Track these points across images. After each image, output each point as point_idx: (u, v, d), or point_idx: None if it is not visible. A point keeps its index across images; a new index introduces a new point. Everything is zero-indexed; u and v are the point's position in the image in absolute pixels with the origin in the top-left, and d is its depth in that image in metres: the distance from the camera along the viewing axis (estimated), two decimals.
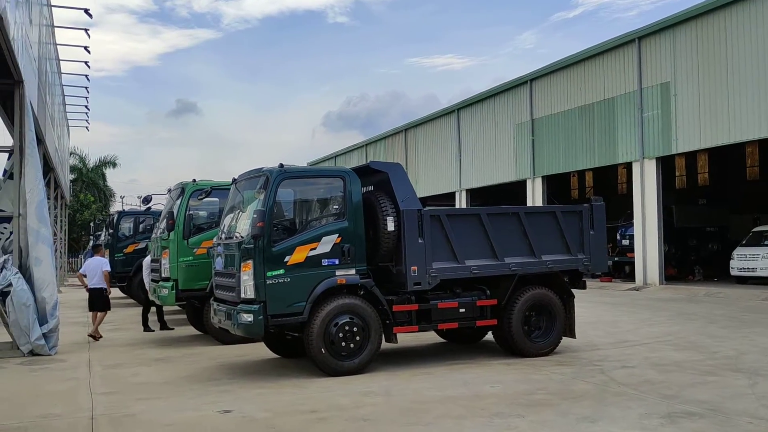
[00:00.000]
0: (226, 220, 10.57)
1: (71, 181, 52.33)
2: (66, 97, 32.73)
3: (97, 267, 14.18)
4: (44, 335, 12.00)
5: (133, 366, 10.86)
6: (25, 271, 12.29)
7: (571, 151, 28.93)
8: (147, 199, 14.20)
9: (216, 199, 13.71)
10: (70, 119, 37.95)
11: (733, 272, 24.24)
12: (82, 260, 33.94)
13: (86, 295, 14.26)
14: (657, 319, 15.27)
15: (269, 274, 9.19)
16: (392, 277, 10.19)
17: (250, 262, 9.18)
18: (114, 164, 59.54)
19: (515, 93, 32.71)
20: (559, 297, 11.00)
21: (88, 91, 33.19)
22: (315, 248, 9.46)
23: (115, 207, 57.64)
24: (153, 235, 14.65)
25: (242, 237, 9.48)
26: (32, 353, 11.96)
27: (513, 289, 10.58)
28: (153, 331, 15.16)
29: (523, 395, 8.08)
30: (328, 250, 9.52)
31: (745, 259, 23.84)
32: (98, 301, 14.19)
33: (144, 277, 15.26)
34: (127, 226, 22.47)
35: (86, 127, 41.37)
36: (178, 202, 12.91)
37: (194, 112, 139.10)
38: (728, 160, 35.84)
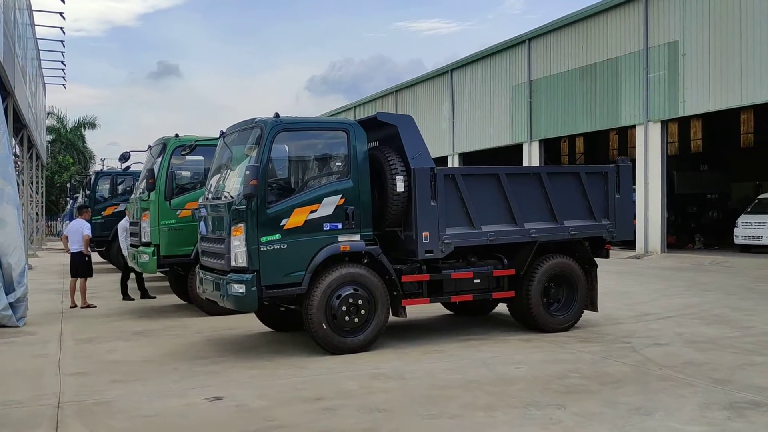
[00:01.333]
0: (213, 179, 9.39)
1: (49, 142, 50.64)
2: (42, 52, 31.17)
3: (78, 230, 13.02)
4: (11, 305, 10.85)
5: (109, 340, 9.76)
6: None
7: (570, 114, 27.80)
8: (124, 156, 12.94)
9: (201, 157, 12.53)
10: (46, 77, 36.26)
11: (737, 240, 23.45)
12: (61, 223, 32.66)
13: (64, 260, 13.08)
14: (672, 290, 14.38)
15: (263, 239, 8.07)
16: (400, 244, 9.12)
17: (242, 226, 8.05)
18: (93, 125, 57.80)
19: (512, 53, 31.40)
20: (581, 267, 10.00)
21: (63, 45, 31.60)
22: (315, 210, 8.33)
23: (95, 169, 56.05)
24: (132, 196, 13.43)
25: (232, 197, 8.33)
26: None
27: (532, 258, 9.55)
28: (133, 300, 14.05)
29: (555, 379, 7.09)
30: (330, 213, 8.40)
31: (750, 227, 23.03)
32: (80, 267, 13.06)
33: (121, 242, 14.07)
34: (105, 187, 21.15)
35: (63, 85, 39.68)
36: (159, 159, 11.69)
37: (176, 74, 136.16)
38: (722, 127, 34.99)
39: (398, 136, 8.94)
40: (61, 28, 30.03)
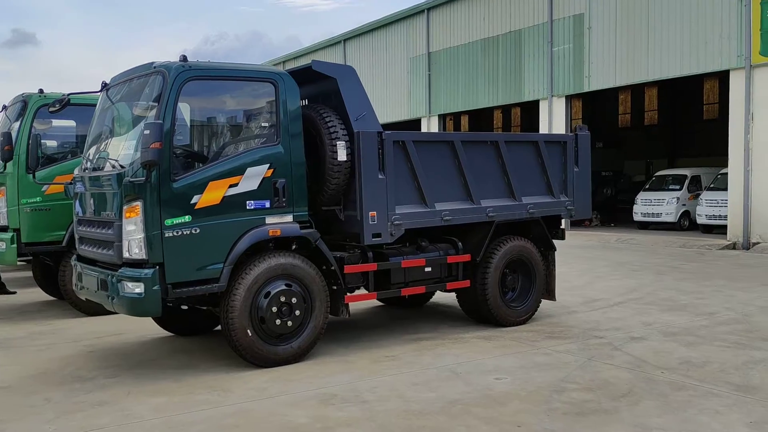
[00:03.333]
0: (94, 144, 7.24)
1: None
2: None
3: None
4: None
5: None
6: None
7: (472, 88, 26.85)
8: None
9: (72, 122, 10.17)
10: None
11: (637, 218, 23.49)
12: None
13: None
14: (599, 271, 13.59)
15: (168, 222, 6.10)
16: (338, 226, 7.41)
17: (138, 205, 6.03)
18: None
19: (410, 23, 30.04)
20: (539, 250, 8.71)
21: None
22: (236, 185, 6.44)
23: None
24: None
25: (122, 167, 6.28)
26: None
27: (489, 241, 8.13)
28: (14, 292, 11.42)
29: (553, 394, 5.69)
30: (255, 188, 6.54)
31: (650, 204, 23.07)
32: None
33: None
34: None
35: None
36: (18, 122, 9.23)
37: (33, 43, 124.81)
38: (603, 105, 35.51)
39: (336, 93, 7.18)
40: None
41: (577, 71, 22.76)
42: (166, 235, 6.09)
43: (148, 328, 8.33)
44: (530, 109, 27.82)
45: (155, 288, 6.03)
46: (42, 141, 9.39)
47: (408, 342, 7.64)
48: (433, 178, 7.68)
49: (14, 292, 11.71)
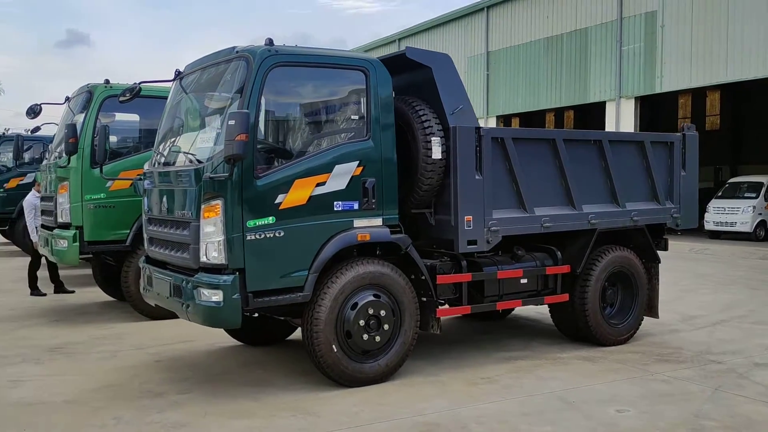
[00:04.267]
0: (166, 138, 6.69)
1: None
2: None
3: None
4: None
5: (13, 362, 6.93)
6: None
7: (532, 89, 25.94)
8: (33, 110, 9.82)
9: (136, 116, 9.70)
10: None
11: (708, 226, 22.17)
12: None
13: None
14: (684, 284, 12.59)
15: (251, 223, 5.48)
16: (426, 231, 6.70)
17: (219, 204, 5.42)
18: None
19: (468, 22, 29.27)
20: (641, 262, 7.88)
21: None
22: (323, 183, 5.79)
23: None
24: (44, 163, 10.39)
25: (200, 161, 5.68)
26: None
27: (591, 251, 7.33)
28: (44, 295, 11.05)
29: None
30: (344, 187, 5.89)
31: (722, 213, 21.78)
32: None
33: (28, 223, 11.01)
34: (7, 154, 17.65)
35: None
36: (84, 113, 8.77)
37: (86, 43, 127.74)
38: (660, 109, 34.01)
39: (430, 83, 6.48)
40: None
41: (648, 71, 21.68)
42: (248, 238, 5.47)
43: (215, 335, 7.75)
44: (586, 112, 26.80)
45: (235, 297, 5.41)
46: (108, 131, 8.91)
47: (501, 361, 6.90)
48: (532, 180, 6.94)
49: (72, 291, 11.33)
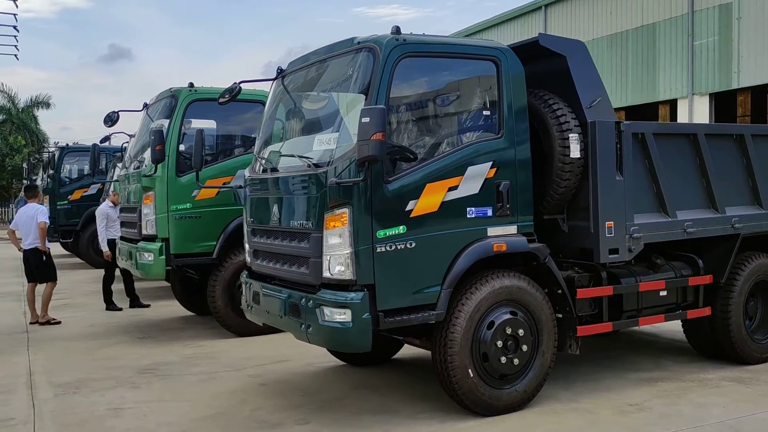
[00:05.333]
0: (269, 141, 6.15)
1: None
2: None
3: (31, 218, 9.55)
4: None
5: (106, 387, 6.43)
6: None
7: None
8: (111, 118, 9.41)
9: (213, 122, 9.20)
10: None
11: None
12: (14, 210, 28.65)
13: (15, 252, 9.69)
14: None
15: (381, 234, 4.87)
16: (556, 239, 6.00)
17: (346, 212, 4.83)
18: (48, 104, 52.86)
19: (525, 21, 28.39)
20: None
21: (16, 19, 28.19)
22: (455, 187, 5.16)
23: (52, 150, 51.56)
24: (121, 172, 9.99)
25: (316, 165, 5.10)
26: None
27: (734, 258, 6.55)
28: (120, 309, 10.67)
29: None
30: (477, 191, 5.24)
31: None
32: (38, 269, 9.61)
33: (99, 232, 10.63)
34: (72, 165, 17.52)
35: (15, 55, 35.62)
36: (167, 121, 8.30)
37: (128, 58, 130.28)
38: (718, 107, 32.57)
39: (562, 74, 5.80)
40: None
41: (723, 66, 20.58)
42: (378, 250, 4.86)
43: (312, 354, 7.19)
44: (654, 111, 25.71)
45: (365, 316, 4.80)
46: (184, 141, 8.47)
47: (640, 384, 6.16)
48: (673, 181, 6.20)
49: (148, 306, 10.92)
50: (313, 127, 5.81)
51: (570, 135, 5.58)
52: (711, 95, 21.19)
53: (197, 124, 9.43)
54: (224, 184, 8.14)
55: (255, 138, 8.63)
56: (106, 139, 12.92)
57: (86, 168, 18.31)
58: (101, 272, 15.90)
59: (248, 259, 6.18)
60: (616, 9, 24.18)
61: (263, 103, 8.41)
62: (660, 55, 22.54)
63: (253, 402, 5.82)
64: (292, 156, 5.55)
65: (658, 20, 22.56)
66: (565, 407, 5.55)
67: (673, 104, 22.37)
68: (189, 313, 10.11)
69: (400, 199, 4.94)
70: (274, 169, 5.78)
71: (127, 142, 13.80)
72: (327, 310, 4.91)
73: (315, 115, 5.84)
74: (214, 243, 8.24)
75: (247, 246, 6.19)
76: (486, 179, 5.27)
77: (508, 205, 5.35)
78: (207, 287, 8.45)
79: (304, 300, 5.11)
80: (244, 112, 8.70)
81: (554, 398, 5.73)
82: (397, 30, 5.10)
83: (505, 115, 5.39)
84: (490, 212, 5.30)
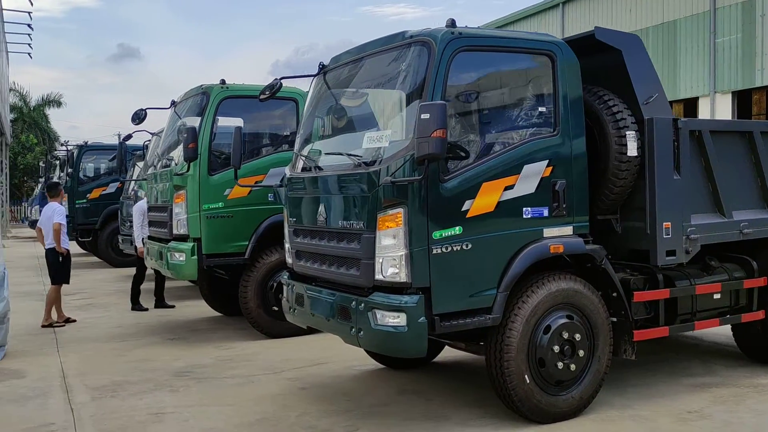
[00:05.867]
0: (310, 140, 5.98)
1: (12, 121, 46.30)
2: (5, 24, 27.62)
3: (49, 219, 9.42)
4: None
5: (144, 390, 6.28)
6: None
7: None
8: (138, 116, 9.24)
9: (240, 120, 9.00)
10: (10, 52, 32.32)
11: None
12: (29, 209, 28.60)
13: (37, 250, 9.56)
14: None
15: (437, 234, 4.70)
16: (609, 240, 5.79)
17: (401, 212, 4.65)
18: (59, 103, 53.13)
19: (542, 18, 28.19)
20: None
21: (31, 17, 28.19)
22: (512, 186, 4.98)
23: (60, 150, 51.61)
24: (148, 170, 9.83)
25: (365, 164, 4.92)
26: None
27: None
28: (146, 310, 10.53)
29: None
30: (533, 191, 5.06)
31: None
32: (51, 268, 9.48)
33: (135, 230, 10.50)
34: (91, 164, 17.41)
35: (29, 53, 35.51)
36: (199, 118, 8.12)
37: (136, 57, 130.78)
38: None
39: (617, 69, 5.61)
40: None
41: (746, 64, 20.33)
42: (434, 251, 4.69)
43: (350, 356, 7.05)
44: (675, 108, 25.41)
45: (421, 320, 4.62)
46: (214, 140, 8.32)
47: (694, 390, 5.96)
48: (728, 180, 6.00)
49: (173, 306, 10.77)
50: (359, 124, 5.63)
51: (627, 132, 5.39)
52: (733, 93, 20.95)
53: (224, 122, 9.28)
54: (256, 183, 8.01)
55: (286, 136, 8.66)
56: (129, 137, 12.80)
57: (103, 167, 18.30)
58: (121, 271, 15.94)
59: (289, 260, 6.01)
60: (636, 5, 23.93)
61: (295, 101, 8.41)
62: (681, 53, 22.31)
63: (296, 407, 5.65)
64: (340, 154, 5.37)
65: (679, 17, 22.32)
66: (622, 414, 5.35)
67: (694, 102, 22.12)
68: (216, 313, 9.96)
69: (456, 198, 4.77)
70: (318, 168, 5.60)
71: (149, 140, 13.74)
72: (380, 314, 4.74)
73: (362, 111, 5.66)
74: (246, 243, 8.08)
75: (288, 246, 6.02)
76: (542, 178, 5.09)
77: (564, 205, 5.17)
78: (239, 288, 8.28)
79: (354, 303, 4.93)
80: (276, 110, 8.53)
81: (608, 404, 5.54)
82: (452, 23, 4.91)
83: (561, 111, 5.20)
84: (546, 212, 5.12)
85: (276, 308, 8.20)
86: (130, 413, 5.58)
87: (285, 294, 6.03)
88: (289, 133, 8.54)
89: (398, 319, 4.66)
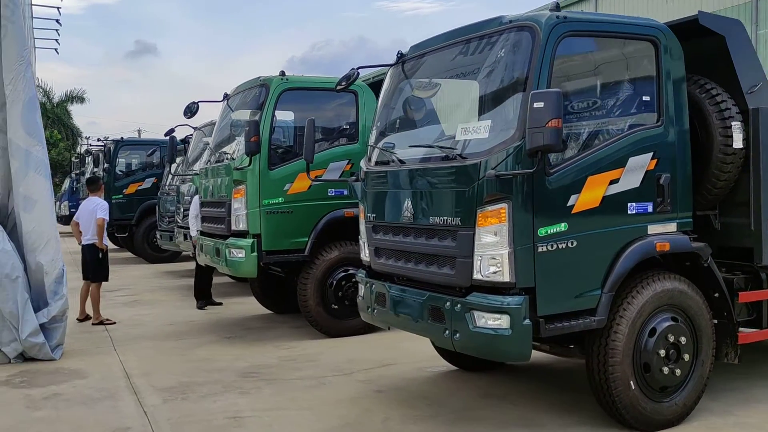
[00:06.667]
0: (389, 131, 5.73)
1: None
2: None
3: (91, 212, 9.24)
4: (43, 327, 7.13)
5: (214, 391, 6.06)
6: (5, 220, 7.33)
7: None
8: (191, 109, 8.99)
9: (290, 113, 8.76)
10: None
11: None
12: (58, 204, 28.62)
13: (73, 245, 9.41)
14: None
15: (542, 231, 4.43)
16: (706, 237, 5.48)
17: (504, 208, 4.38)
18: (82, 99, 53.06)
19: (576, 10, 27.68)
20: None
21: (60, 12, 28.10)
22: (617, 180, 4.70)
23: (81, 148, 51.85)
24: (202, 166, 9.60)
25: (463, 157, 4.64)
26: (23, 357, 7.11)
27: None
28: (220, 304, 10.33)
29: None
30: (637, 185, 4.78)
31: None
32: (91, 266, 9.29)
33: (191, 224, 10.30)
34: (127, 159, 17.30)
35: (55, 49, 35.55)
36: (259, 111, 7.87)
37: (153, 53, 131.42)
38: None
39: (718, 56, 5.29)
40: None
41: None
42: (539, 249, 4.42)
43: (418, 357, 6.83)
44: None
45: (525, 323, 4.36)
46: (282, 129, 8.12)
47: None
48: None
49: (221, 303, 10.57)
50: (446, 115, 5.38)
51: (732, 123, 5.08)
52: None
53: (280, 115, 9.03)
54: (316, 177, 7.76)
55: (345, 129, 8.41)
56: (173, 131, 12.64)
57: (134, 162, 18.17)
58: (158, 267, 15.83)
59: (366, 257, 5.75)
60: None
61: (355, 93, 8.15)
62: None
63: (379, 411, 5.41)
64: (430, 146, 5.10)
65: (720, 8, 21.76)
66: (725, 421, 5.06)
67: None
68: (266, 310, 9.76)
69: (561, 193, 4.49)
70: (401, 161, 5.33)
71: (191, 135, 13.57)
72: (479, 316, 4.48)
73: (449, 102, 5.41)
74: (306, 239, 7.85)
75: (365, 243, 5.76)
76: (647, 171, 4.80)
77: (668, 200, 4.87)
78: (297, 286, 8.05)
79: (449, 304, 4.67)
80: (336, 102, 8.29)
81: (707, 410, 5.24)
82: (556, 6, 4.64)
83: (665, 100, 4.90)
84: (650, 208, 4.83)
85: (335, 306, 8.00)
86: (207, 417, 5.36)
87: (362, 293, 5.78)
88: (348, 126, 8.29)
89: (500, 321, 4.40)
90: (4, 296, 6.86)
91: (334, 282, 7.97)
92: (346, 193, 8.02)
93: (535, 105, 4.08)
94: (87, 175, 20.79)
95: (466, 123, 4.94)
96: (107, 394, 6.04)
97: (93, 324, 9.13)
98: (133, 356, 7.39)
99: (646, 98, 4.93)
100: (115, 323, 9.20)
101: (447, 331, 4.70)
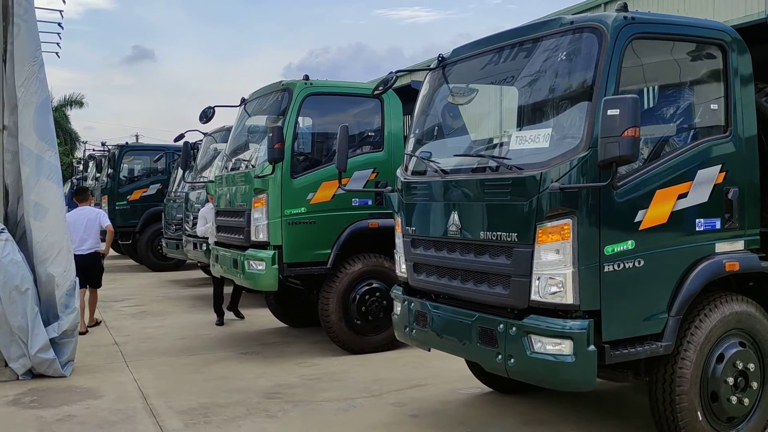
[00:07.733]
0: (427, 138, 5.39)
1: None
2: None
3: (93, 220, 9.05)
4: (53, 342, 6.74)
5: (236, 414, 5.69)
6: (14, 228, 6.95)
7: None
8: (206, 114, 8.64)
9: (309, 119, 8.42)
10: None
11: None
12: None
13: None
14: None
15: (608, 250, 4.09)
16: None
17: (569, 224, 4.03)
18: (81, 103, 52.61)
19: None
20: None
21: (62, 15, 27.68)
22: (685, 194, 4.36)
23: (78, 153, 51.41)
24: (218, 173, 9.21)
25: (520, 168, 4.30)
26: (31, 374, 6.73)
27: None
28: (242, 317, 9.97)
29: None
30: (706, 199, 4.44)
31: None
32: (93, 274, 9.13)
33: (199, 230, 9.93)
34: (131, 165, 16.92)
35: (56, 53, 35.20)
36: (281, 117, 7.52)
37: (151, 59, 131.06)
38: None
39: None
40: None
41: None
42: (605, 269, 4.07)
43: (449, 377, 6.48)
44: None
45: (590, 349, 4.00)
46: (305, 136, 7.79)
47: None
48: None
49: (243, 317, 10.12)
50: (493, 122, 5.04)
51: None
52: None
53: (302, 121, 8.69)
54: (341, 186, 7.40)
55: (368, 136, 8.07)
56: (182, 136, 12.29)
57: (138, 168, 17.79)
58: (163, 276, 15.43)
59: (403, 273, 5.40)
60: (685, 6, 23.19)
61: (380, 99, 7.81)
62: None
63: None
64: (481, 156, 4.76)
65: (732, 18, 21.53)
66: None
67: None
68: (281, 324, 9.38)
69: (629, 208, 4.15)
70: (444, 171, 4.98)
71: (200, 141, 13.20)
72: (538, 340, 4.13)
73: (498, 108, 5.06)
74: (329, 251, 7.49)
75: (401, 258, 5.40)
76: (715, 185, 4.47)
77: (737, 216, 4.54)
78: (318, 299, 7.69)
79: (502, 326, 4.32)
80: (360, 108, 7.96)
81: None
82: (623, 6, 4.29)
83: (733, 109, 4.57)
84: (718, 224, 4.50)
85: (358, 322, 7.65)
86: None
87: (397, 310, 5.42)
88: (373, 134, 7.95)
89: (561, 347, 4.05)
90: (13, 309, 6.48)
91: (357, 296, 7.62)
92: (370, 203, 7.69)
93: (609, 112, 3.73)
94: (89, 181, 20.46)
95: (523, 131, 4.59)
96: (124, 416, 5.65)
97: (89, 326, 9.12)
98: (148, 373, 7.01)
99: (713, 106, 4.60)
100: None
101: (500, 356, 4.34)
